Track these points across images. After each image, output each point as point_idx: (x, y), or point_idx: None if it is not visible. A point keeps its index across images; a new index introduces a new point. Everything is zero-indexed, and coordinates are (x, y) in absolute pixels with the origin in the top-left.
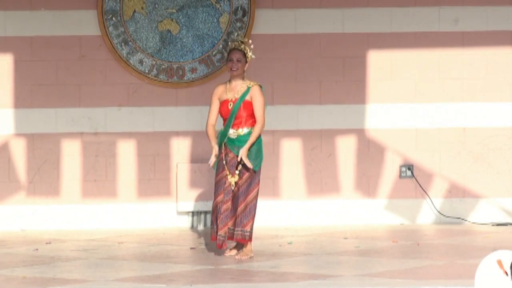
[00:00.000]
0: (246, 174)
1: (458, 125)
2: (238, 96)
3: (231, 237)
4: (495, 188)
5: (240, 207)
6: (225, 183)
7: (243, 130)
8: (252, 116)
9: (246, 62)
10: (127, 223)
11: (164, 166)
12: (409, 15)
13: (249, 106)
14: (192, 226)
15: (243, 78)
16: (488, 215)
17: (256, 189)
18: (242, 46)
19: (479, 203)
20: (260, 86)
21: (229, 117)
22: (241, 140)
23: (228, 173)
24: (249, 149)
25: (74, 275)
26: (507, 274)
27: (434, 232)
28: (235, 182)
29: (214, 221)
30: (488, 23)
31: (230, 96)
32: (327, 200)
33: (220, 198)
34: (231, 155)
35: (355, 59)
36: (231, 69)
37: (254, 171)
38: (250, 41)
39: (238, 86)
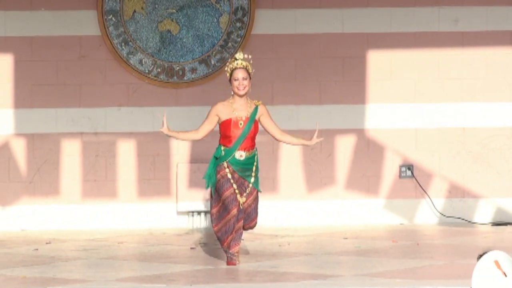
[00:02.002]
0: (253, 195)
1: (457, 125)
2: (248, 115)
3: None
4: (495, 188)
5: (249, 226)
6: (236, 199)
7: (250, 152)
8: (254, 138)
9: (250, 78)
10: (127, 223)
11: (164, 166)
12: (409, 15)
13: (256, 126)
14: (192, 226)
15: (246, 97)
16: (488, 215)
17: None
18: (245, 64)
19: (479, 203)
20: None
21: (239, 137)
22: (249, 162)
23: (237, 192)
24: (253, 172)
25: (74, 275)
26: (505, 275)
27: (434, 232)
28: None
29: (227, 240)
30: (487, 23)
31: (240, 114)
32: (327, 200)
33: (234, 212)
34: (236, 176)
35: (354, 59)
36: (237, 88)
37: (259, 191)
38: (250, 56)
39: (244, 105)
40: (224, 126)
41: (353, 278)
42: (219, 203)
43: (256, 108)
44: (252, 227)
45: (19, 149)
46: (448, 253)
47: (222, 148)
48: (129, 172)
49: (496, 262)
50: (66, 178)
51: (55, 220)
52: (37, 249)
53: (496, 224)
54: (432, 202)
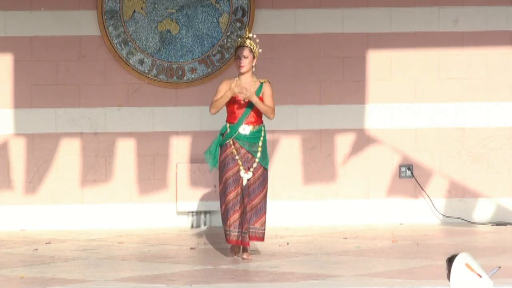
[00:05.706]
0: (259, 172)
1: (457, 125)
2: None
3: (243, 240)
4: (495, 188)
5: (251, 205)
6: (238, 179)
7: (255, 127)
8: (259, 114)
9: (254, 57)
10: (127, 223)
11: (163, 166)
12: (409, 15)
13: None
14: (192, 226)
15: (252, 75)
16: (488, 215)
17: (266, 188)
18: (248, 42)
19: (479, 203)
20: (269, 82)
21: (243, 113)
22: (255, 136)
23: (241, 168)
24: (260, 147)
25: (74, 275)
26: (480, 276)
27: (434, 232)
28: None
29: (229, 220)
30: (487, 23)
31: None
32: (327, 200)
33: (233, 194)
34: (243, 151)
35: (354, 59)
36: (239, 66)
37: (265, 169)
38: (255, 36)
39: (249, 83)
40: (229, 103)
41: (353, 278)
42: (221, 183)
43: (260, 86)
44: (253, 207)
45: (19, 149)
46: (448, 253)
47: (228, 125)
48: (129, 172)
49: (468, 265)
50: (65, 178)
51: (55, 220)
52: (37, 249)
53: (496, 224)
54: (432, 202)
